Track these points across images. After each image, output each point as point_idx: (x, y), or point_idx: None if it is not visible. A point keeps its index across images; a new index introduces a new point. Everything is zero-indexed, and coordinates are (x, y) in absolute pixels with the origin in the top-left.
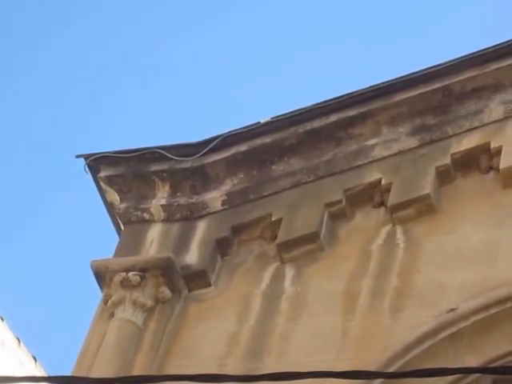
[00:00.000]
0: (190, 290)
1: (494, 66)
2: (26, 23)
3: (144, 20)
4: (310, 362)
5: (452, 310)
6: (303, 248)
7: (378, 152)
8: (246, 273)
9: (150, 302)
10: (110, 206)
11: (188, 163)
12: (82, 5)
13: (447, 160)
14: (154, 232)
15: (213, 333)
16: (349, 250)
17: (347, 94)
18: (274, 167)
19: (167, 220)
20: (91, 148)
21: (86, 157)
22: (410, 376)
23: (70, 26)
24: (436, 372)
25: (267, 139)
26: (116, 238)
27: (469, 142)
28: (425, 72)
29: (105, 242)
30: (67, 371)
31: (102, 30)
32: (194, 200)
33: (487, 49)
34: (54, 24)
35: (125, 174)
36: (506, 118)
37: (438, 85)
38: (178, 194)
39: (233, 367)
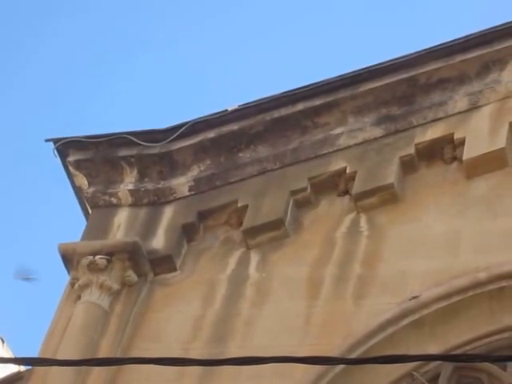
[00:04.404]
0: (156, 274)
1: (459, 58)
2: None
3: (120, 9)
4: (274, 346)
5: (414, 297)
6: (268, 234)
7: (343, 141)
8: (211, 258)
9: (116, 286)
10: (78, 190)
11: (156, 149)
12: None
13: (411, 150)
14: (122, 216)
15: (178, 317)
16: (313, 237)
17: (314, 84)
18: (240, 154)
19: (134, 205)
20: (60, 132)
21: (55, 141)
22: (372, 362)
23: (50, 15)
24: (398, 359)
25: (234, 126)
26: (84, 222)
27: (433, 133)
28: (391, 63)
29: (72, 225)
30: (35, 353)
31: (79, 18)
32: (161, 185)
33: (453, 41)
34: (32, 11)
35: (93, 158)
36: (470, 110)
37: (403, 75)
38: (146, 180)
39: (197, 351)
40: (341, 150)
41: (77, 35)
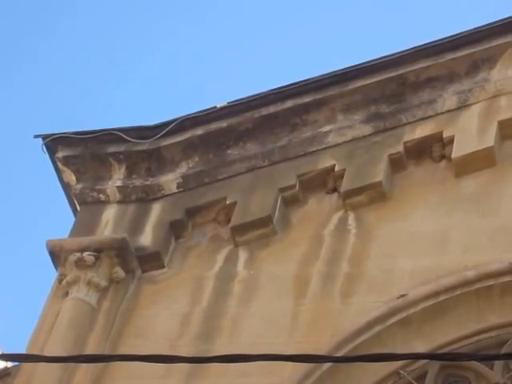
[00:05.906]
0: (143, 271)
1: (448, 56)
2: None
3: (111, 8)
4: (261, 344)
5: (402, 296)
6: (256, 232)
7: (332, 138)
8: (199, 255)
9: (104, 282)
10: (66, 187)
11: (144, 145)
12: None
13: (400, 148)
14: (110, 213)
15: (166, 314)
16: (301, 234)
17: (303, 81)
18: (229, 151)
19: (123, 201)
20: (49, 129)
21: (44, 137)
22: (359, 360)
23: (42, 13)
24: (385, 357)
25: (223, 123)
26: (72, 218)
27: (422, 131)
28: (380, 60)
29: (61, 221)
30: (22, 349)
31: (70, 16)
32: (149, 182)
33: (442, 39)
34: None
35: (82, 154)
36: (459, 108)
37: (392, 73)
38: (134, 176)
39: (185, 348)
40: (329, 147)
41: (66, 33)
